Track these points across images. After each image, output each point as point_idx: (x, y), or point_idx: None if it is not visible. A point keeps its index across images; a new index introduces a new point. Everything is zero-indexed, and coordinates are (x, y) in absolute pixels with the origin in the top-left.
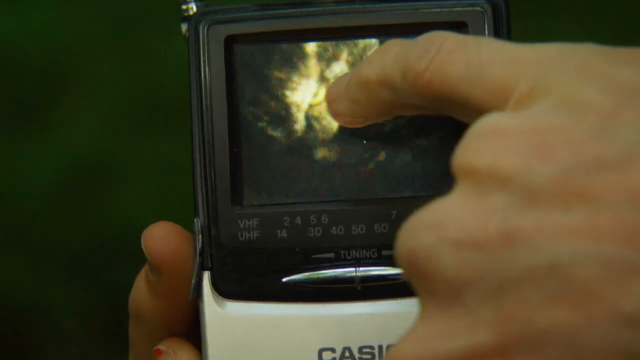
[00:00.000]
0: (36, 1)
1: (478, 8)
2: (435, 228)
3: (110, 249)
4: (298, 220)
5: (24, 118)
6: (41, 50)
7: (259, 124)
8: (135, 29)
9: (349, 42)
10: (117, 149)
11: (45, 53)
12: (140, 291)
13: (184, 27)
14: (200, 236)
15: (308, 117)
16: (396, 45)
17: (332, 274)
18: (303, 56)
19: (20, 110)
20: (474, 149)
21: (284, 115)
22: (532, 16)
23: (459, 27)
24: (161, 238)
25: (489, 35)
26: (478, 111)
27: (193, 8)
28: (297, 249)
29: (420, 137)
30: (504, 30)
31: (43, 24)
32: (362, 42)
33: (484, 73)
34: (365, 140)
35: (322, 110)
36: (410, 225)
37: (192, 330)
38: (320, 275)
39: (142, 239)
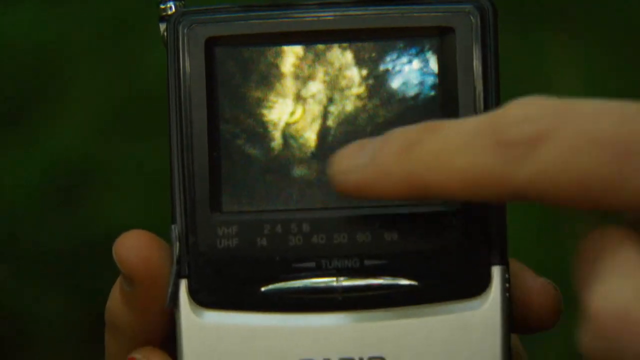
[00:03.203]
0: (21, 3)
1: (465, 13)
2: None
3: (93, 253)
4: (279, 228)
5: (6, 121)
6: (26, 52)
7: (240, 128)
8: (121, 34)
9: (333, 45)
10: (101, 154)
11: (30, 56)
12: (115, 301)
13: (162, 27)
14: (177, 243)
15: (291, 122)
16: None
17: (313, 284)
18: (286, 59)
19: (3, 113)
20: None
21: (266, 119)
22: (527, 30)
23: (446, 32)
24: (133, 248)
25: (475, 40)
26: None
27: (172, 8)
28: (277, 258)
29: None
30: (491, 36)
31: (28, 26)
32: (347, 46)
33: None
34: None
35: (305, 116)
36: None
37: (168, 339)
38: (301, 285)
39: (113, 249)
